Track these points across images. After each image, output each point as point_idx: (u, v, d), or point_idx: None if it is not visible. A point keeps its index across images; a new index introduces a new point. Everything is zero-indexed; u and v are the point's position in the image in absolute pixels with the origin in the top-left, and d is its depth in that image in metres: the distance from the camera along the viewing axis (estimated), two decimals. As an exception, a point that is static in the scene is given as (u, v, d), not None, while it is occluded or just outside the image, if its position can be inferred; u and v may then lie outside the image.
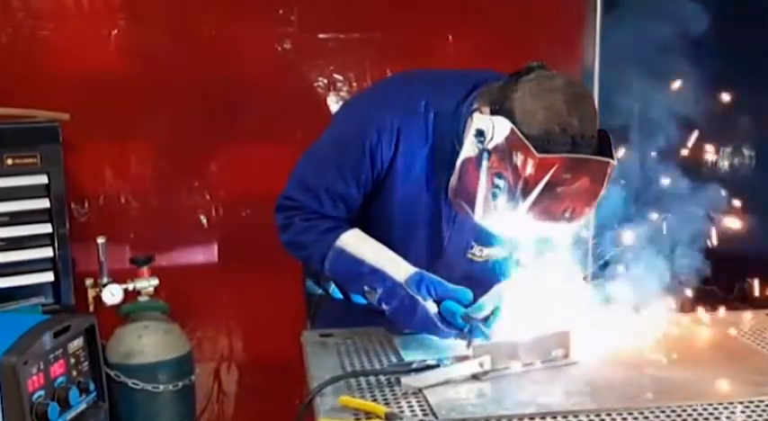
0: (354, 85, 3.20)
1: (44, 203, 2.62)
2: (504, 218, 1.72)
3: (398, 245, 1.90)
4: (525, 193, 1.65)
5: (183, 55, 3.05)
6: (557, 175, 1.64)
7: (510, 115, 1.67)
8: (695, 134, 2.12)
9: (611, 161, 1.68)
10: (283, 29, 3.15)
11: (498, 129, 1.68)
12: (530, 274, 1.83)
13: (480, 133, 1.72)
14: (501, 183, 1.69)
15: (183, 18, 3.05)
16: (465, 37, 3.26)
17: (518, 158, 1.65)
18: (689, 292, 1.95)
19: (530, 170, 1.64)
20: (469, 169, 1.76)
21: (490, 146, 1.70)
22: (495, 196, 1.71)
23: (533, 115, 1.66)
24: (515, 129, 1.65)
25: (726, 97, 2.31)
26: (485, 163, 1.71)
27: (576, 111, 1.66)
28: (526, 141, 1.63)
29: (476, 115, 1.76)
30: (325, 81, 3.20)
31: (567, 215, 1.69)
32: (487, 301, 1.79)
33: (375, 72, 3.15)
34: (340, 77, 3.20)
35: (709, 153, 3.08)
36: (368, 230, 1.93)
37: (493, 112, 1.71)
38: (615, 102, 2.39)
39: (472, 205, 1.77)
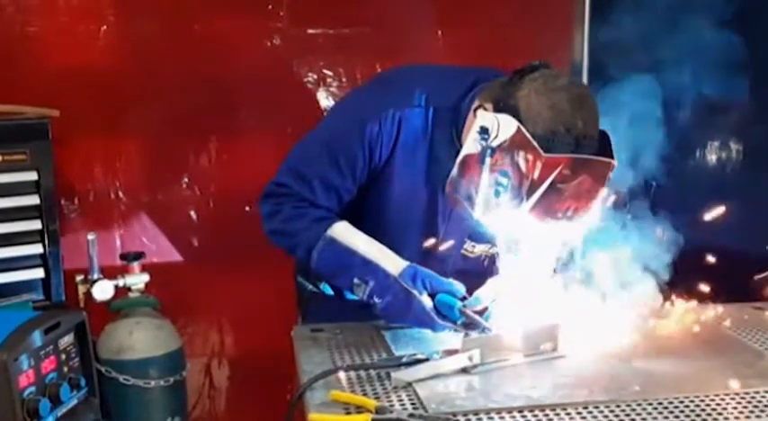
0: (344, 80, 3.20)
1: (34, 200, 2.61)
2: (504, 215, 1.73)
3: (393, 238, 1.90)
4: (529, 192, 1.66)
5: (172, 50, 3.05)
6: (560, 175, 1.65)
7: (515, 113, 1.68)
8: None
9: (612, 161, 1.69)
10: (273, 24, 3.14)
11: (504, 127, 1.69)
12: (522, 270, 1.84)
13: (484, 130, 1.72)
14: (504, 180, 1.70)
15: (172, 13, 3.04)
16: (454, 32, 3.26)
17: (523, 157, 1.66)
18: (676, 286, 1.96)
19: (535, 169, 1.65)
20: (471, 166, 1.76)
21: (494, 143, 1.70)
22: (497, 194, 1.71)
23: (539, 114, 1.66)
24: (522, 128, 1.66)
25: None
26: (488, 160, 1.71)
27: (579, 112, 1.67)
28: (533, 140, 1.64)
29: (479, 112, 1.76)
30: (315, 76, 3.20)
31: (568, 214, 1.70)
32: (483, 295, 1.81)
33: (365, 67, 3.15)
34: (330, 73, 3.20)
35: (698, 148, 3.10)
36: (362, 224, 1.92)
37: (497, 110, 1.72)
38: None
39: (472, 202, 1.78)
